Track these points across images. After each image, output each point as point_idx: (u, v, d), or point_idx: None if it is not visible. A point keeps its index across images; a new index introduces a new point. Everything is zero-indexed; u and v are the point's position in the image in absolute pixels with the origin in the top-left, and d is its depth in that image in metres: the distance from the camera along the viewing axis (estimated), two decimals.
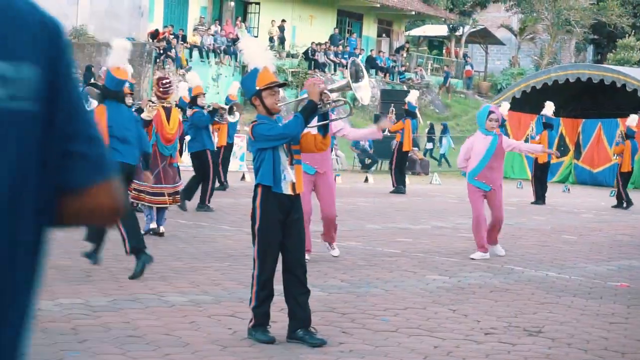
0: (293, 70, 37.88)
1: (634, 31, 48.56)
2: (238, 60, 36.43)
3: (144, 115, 11.75)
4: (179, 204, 12.09)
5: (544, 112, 20.49)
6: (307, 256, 9.51)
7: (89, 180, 1.74)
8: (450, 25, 50.19)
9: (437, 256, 11.05)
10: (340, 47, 41.16)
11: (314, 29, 41.75)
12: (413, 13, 46.62)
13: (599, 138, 30.04)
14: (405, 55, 46.07)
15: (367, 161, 29.76)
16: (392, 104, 25.96)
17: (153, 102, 11.87)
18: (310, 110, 6.26)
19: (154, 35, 33.98)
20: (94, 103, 13.62)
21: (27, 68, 1.67)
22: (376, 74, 40.92)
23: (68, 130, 1.73)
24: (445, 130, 33.83)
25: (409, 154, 29.13)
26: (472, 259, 10.91)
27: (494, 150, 10.87)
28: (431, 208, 18.07)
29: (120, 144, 8.82)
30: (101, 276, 8.53)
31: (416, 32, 54.30)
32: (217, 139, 18.32)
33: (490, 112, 11.09)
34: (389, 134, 23.77)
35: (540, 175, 20.69)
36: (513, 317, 7.71)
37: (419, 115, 29.58)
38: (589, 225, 16.31)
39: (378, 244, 12.05)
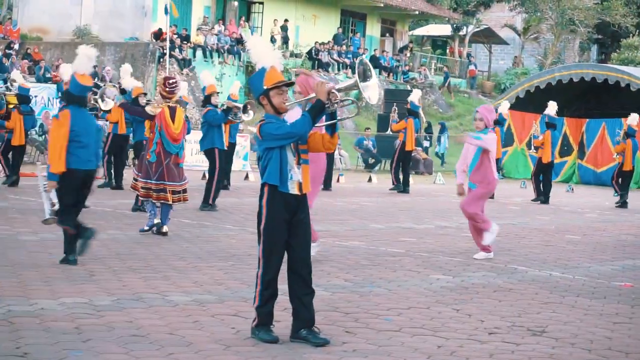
0: (296, 70, 37.84)
1: (638, 31, 48.47)
2: (241, 59, 36.43)
3: (148, 109, 11.77)
4: (186, 201, 12.02)
5: (546, 112, 20.49)
6: (314, 244, 9.46)
7: None
8: (454, 25, 50.14)
9: (441, 256, 11.03)
10: (344, 47, 41.14)
11: (317, 29, 41.74)
12: (417, 13, 46.58)
13: (602, 138, 30.02)
14: (408, 55, 46.04)
15: (371, 161, 29.77)
16: (395, 104, 25.99)
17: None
18: (318, 109, 6.24)
19: (158, 35, 33.97)
20: (109, 102, 13.68)
21: None
22: (380, 73, 40.89)
23: None
24: (443, 130, 33.80)
25: (413, 154, 29.25)
26: (475, 259, 10.88)
27: (481, 149, 10.82)
28: (435, 208, 18.07)
29: (80, 149, 9.01)
30: (104, 276, 8.53)
31: (420, 31, 54.26)
32: None
33: (475, 112, 11.09)
34: (391, 134, 23.79)
35: (545, 174, 20.70)
36: (517, 317, 7.70)
37: (422, 114, 29.61)
38: (593, 225, 16.29)
39: (381, 243, 12.04)
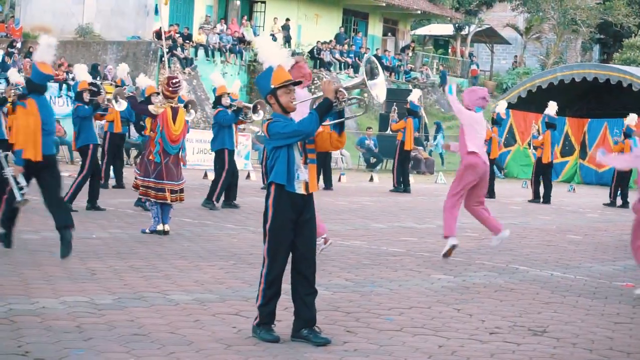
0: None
1: None
2: (243, 59, 36.43)
3: (151, 108, 11.78)
4: (182, 201, 12.03)
5: (546, 111, 20.49)
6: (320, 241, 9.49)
7: None
8: (456, 25, 50.09)
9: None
10: (346, 46, 41.13)
11: (319, 28, 41.73)
12: (419, 12, 46.56)
13: (604, 138, 30.01)
14: (410, 54, 46.03)
15: (372, 160, 29.76)
16: (395, 103, 26.00)
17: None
18: (326, 108, 6.23)
19: (159, 34, 33.97)
20: (122, 103, 13.68)
21: None
22: None
23: None
24: (439, 130, 33.77)
25: (415, 154, 29.24)
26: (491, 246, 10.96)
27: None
28: (436, 207, 18.03)
29: (44, 136, 9.46)
30: (106, 274, 8.53)
31: (422, 31, 54.22)
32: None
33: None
34: (391, 133, 23.81)
35: (545, 174, 20.72)
36: (518, 317, 7.70)
37: (424, 114, 29.61)
38: (595, 225, 16.29)
39: (383, 243, 12.04)
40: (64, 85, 28.10)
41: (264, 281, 6.33)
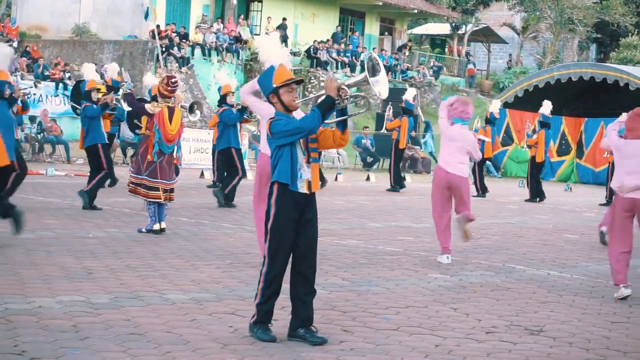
0: (295, 68, 37.85)
1: (637, 30, 48.47)
2: (240, 58, 36.41)
3: (147, 107, 11.78)
4: (172, 200, 12.03)
5: (541, 111, 20.52)
6: None
7: None
8: (453, 24, 50.13)
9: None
10: (343, 46, 41.13)
11: (316, 27, 41.74)
12: (415, 11, 46.59)
13: (601, 137, 29.99)
14: (407, 53, 46.04)
15: (369, 159, 29.77)
16: (390, 102, 26.01)
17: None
18: (328, 105, 6.20)
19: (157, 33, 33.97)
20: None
21: None
22: None
23: None
24: (427, 129, 33.78)
25: (411, 153, 29.27)
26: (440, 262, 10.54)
27: None
28: None
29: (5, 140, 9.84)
30: (102, 274, 8.53)
31: (418, 30, 54.26)
32: (213, 136, 18.42)
33: None
34: (388, 132, 23.82)
35: (537, 173, 20.79)
36: (514, 316, 7.70)
37: (420, 113, 29.62)
38: (591, 224, 16.27)
39: (379, 242, 12.04)
40: (60, 85, 28.09)
41: (264, 280, 6.32)
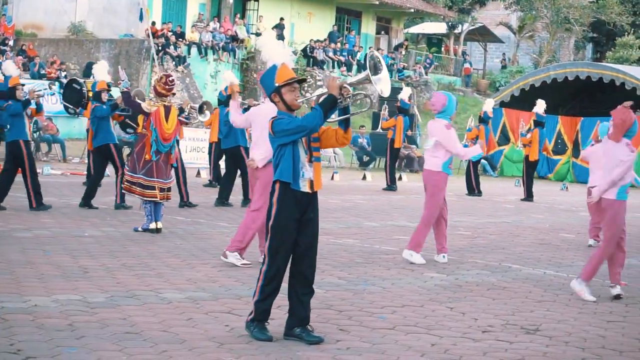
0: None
1: (633, 29, 48.51)
2: (236, 57, 36.39)
3: (144, 106, 11.77)
4: (169, 199, 12.02)
5: (535, 110, 20.54)
6: None
7: None
8: (449, 23, 50.14)
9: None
10: (339, 45, 41.12)
11: (312, 26, 41.71)
12: (412, 10, 46.58)
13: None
14: (403, 52, 46.04)
15: (365, 159, 29.76)
16: (385, 101, 26.01)
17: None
18: (330, 104, 6.19)
19: (153, 32, 33.94)
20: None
21: None
22: None
23: None
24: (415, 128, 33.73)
25: (407, 152, 29.26)
26: (413, 263, 10.31)
27: None
28: None
29: None
30: (98, 273, 8.52)
31: (415, 29, 54.24)
32: (209, 135, 18.43)
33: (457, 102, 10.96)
34: (382, 131, 23.82)
35: (532, 172, 20.82)
36: (510, 315, 7.70)
37: (417, 112, 29.61)
38: (587, 224, 16.28)
39: (376, 241, 12.04)
40: (57, 83, 28.04)
41: (263, 278, 6.31)
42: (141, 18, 30.97)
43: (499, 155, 31.51)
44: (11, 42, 32.95)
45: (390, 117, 22.53)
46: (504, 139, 31.37)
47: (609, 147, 8.97)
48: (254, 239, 9.53)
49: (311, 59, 38.70)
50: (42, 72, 29.82)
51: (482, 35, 53.26)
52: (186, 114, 14.55)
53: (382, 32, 47.87)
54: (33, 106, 13.48)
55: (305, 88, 36.19)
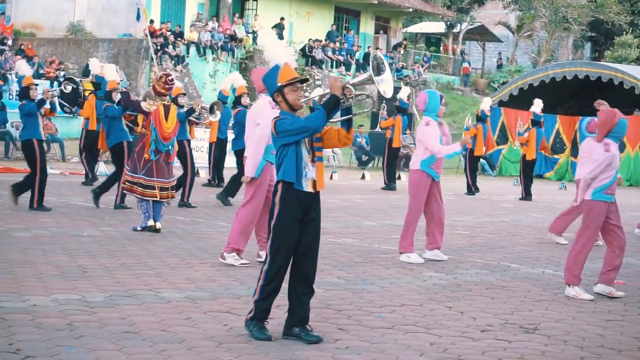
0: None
1: (631, 29, 48.53)
2: (235, 56, 36.38)
3: (143, 105, 11.77)
4: (173, 198, 12.03)
5: (532, 109, 20.56)
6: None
7: None
8: (448, 22, 50.16)
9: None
10: (338, 44, 41.12)
11: (311, 26, 41.71)
12: (410, 10, 46.57)
13: None
14: (402, 52, 46.05)
15: (364, 158, 29.77)
16: (384, 101, 26.03)
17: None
18: (333, 104, 6.19)
19: (152, 31, 33.93)
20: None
21: None
22: None
23: None
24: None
25: (406, 151, 29.26)
26: (406, 260, 10.33)
27: (443, 138, 10.59)
28: None
29: None
30: (97, 272, 8.52)
31: (413, 29, 54.26)
32: (209, 134, 18.47)
33: (442, 97, 10.83)
34: (381, 131, 23.83)
35: (530, 171, 20.82)
36: (509, 315, 7.71)
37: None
38: None
39: (374, 241, 12.05)
40: (55, 83, 28.02)
41: (264, 277, 6.31)
42: (138, 18, 31.01)
43: (498, 154, 31.53)
44: (10, 42, 32.93)
45: (389, 116, 22.54)
46: (503, 138, 31.39)
47: (589, 146, 9.04)
48: (251, 238, 9.54)
49: (310, 59, 38.69)
50: (41, 71, 29.80)
51: (481, 34, 53.28)
52: (197, 114, 14.57)
53: (381, 32, 47.88)
54: (47, 106, 13.50)
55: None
